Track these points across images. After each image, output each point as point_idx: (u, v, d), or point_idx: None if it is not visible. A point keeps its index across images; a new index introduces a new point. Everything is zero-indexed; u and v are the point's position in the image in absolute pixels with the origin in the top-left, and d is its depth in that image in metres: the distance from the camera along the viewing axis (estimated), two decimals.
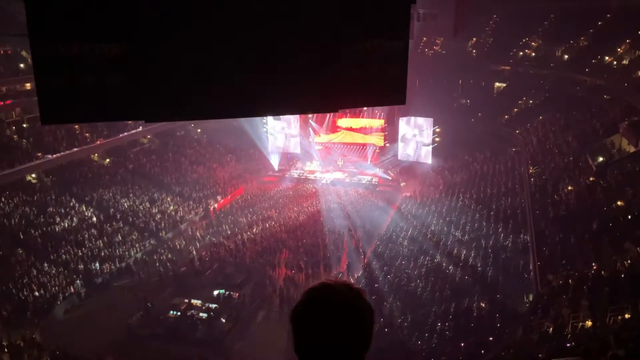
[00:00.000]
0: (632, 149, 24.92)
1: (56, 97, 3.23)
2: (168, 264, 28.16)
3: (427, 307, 21.19)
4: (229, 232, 32.49)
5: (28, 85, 34.00)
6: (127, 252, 28.78)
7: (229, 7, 3.37)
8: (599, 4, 43.42)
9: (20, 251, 26.44)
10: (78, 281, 25.58)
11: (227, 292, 24.50)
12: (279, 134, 45.10)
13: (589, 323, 14.40)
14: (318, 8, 3.56)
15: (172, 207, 34.59)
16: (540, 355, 13.89)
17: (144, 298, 23.77)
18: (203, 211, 35.31)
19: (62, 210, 30.53)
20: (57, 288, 24.60)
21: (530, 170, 31.94)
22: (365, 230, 31.12)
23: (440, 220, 30.62)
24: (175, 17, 3.29)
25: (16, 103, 34.13)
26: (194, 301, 23.75)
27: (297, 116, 41.55)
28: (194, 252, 29.64)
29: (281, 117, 41.68)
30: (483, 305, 20.40)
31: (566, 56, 45.81)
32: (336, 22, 3.57)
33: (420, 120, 41.23)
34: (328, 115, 42.65)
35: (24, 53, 35.52)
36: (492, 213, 29.42)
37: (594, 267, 17.81)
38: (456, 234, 28.36)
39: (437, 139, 42.29)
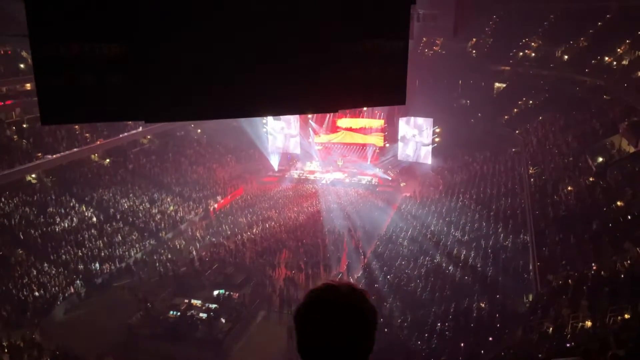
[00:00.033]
0: (631, 150, 24.92)
1: (56, 97, 3.23)
2: (168, 264, 28.16)
3: (427, 307, 21.19)
4: (229, 233, 32.51)
5: (28, 86, 33.99)
6: (127, 253, 28.78)
7: (229, 7, 3.38)
8: (598, 5, 43.45)
9: (20, 251, 26.44)
10: (78, 281, 25.59)
11: (227, 293, 24.51)
12: (279, 134, 45.13)
13: (588, 323, 14.40)
14: (318, 8, 3.56)
15: (172, 208, 34.59)
16: (540, 356, 13.89)
17: (144, 298, 23.78)
18: (203, 211, 35.31)
19: (62, 211, 30.54)
20: (57, 288, 24.60)
21: (530, 171, 31.94)
22: (365, 231, 31.12)
23: (440, 221, 30.62)
24: (175, 17, 3.29)
25: (16, 103, 34.12)
26: (194, 301, 23.76)
27: (297, 116, 41.58)
28: (194, 253, 29.65)
29: (281, 117, 41.68)
30: (483, 305, 20.40)
31: (566, 56, 45.80)
32: (336, 22, 3.57)
33: (420, 120, 41.25)
34: (328, 115, 42.66)
35: (24, 53, 35.53)
36: (492, 213, 29.42)
37: (594, 268, 17.81)
38: (456, 234, 28.37)
39: (437, 139, 42.32)
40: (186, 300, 23.79)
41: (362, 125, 44.75)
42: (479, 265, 23.84)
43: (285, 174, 44.01)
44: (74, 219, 30.19)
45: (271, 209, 35.75)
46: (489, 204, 31.02)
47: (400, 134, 42.27)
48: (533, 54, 48.69)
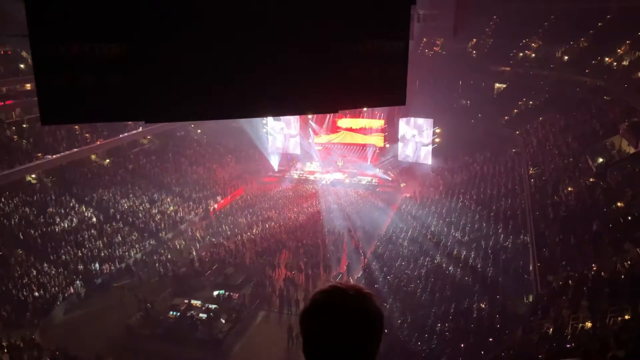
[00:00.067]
0: (632, 150, 24.91)
1: (56, 97, 3.22)
2: (168, 264, 28.15)
3: (427, 308, 21.18)
4: (229, 233, 32.52)
5: (28, 86, 34.00)
6: (127, 253, 28.78)
7: (229, 7, 3.37)
8: (599, 5, 43.45)
9: (20, 251, 26.43)
10: (78, 282, 25.58)
11: (227, 293, 24.51)
12: (279, 134, 45.15)
13: (588, 324, 14.38)
14: (318, 8, 3.56)
15: (172, 208, 34.59)
16: (540, 356, 13.88)
17: (143, 298, 23.77)
18: (203, 212, 35.31)
19: (62, 211, 30.53)
20: (56, 288, 24.59)
21: (530, 171, 31.93)
22: (365, 231, 31.12)
23: (440, 221, 30.62)
24: (175, 17, 3.29)
25: (16, 103, 34.11)
26: (193, 302, 23.75)
27: (297, 117, 41.56)
28: (194, 253, 29.65)
29: (281, 117, 41.69)
30: (483, 306, 20.40)
31: (566, 57, 45.83)
32: (336, 22, 3.57)
33: (420, 120, 41.26)
34: (328, 115, 42.67)
35: (24, 53, 35.53)
36: (492, 214, 29.41)
37: (594, 268, 17.79)
38: (456, 234, 28.36)
39: (437, 140, 42.33)
40: (186, 301, 23.79)
41: (362, 126, 44.76)
42: (479, 266, 23.84)
43: (285, 175, 44.02)
44: (74, 219, 30.18)
45: (271, 210, 35.75)
46: (489, 204, 31.01)
47: (400, 134, 42.27)
48: (533, 55, 48.72)
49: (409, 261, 25.88)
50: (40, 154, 31.86)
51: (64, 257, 26.86)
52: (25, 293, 23.64)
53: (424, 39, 54.09)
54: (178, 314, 22.81)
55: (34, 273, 25.09)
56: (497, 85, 51.30)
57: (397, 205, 36.07)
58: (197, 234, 32.48)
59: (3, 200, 29.14)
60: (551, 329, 15.36)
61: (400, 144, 42.47)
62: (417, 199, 36.32)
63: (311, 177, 43.42)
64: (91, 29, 3.15)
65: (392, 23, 3.70)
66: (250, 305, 24.17)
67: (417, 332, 19.44)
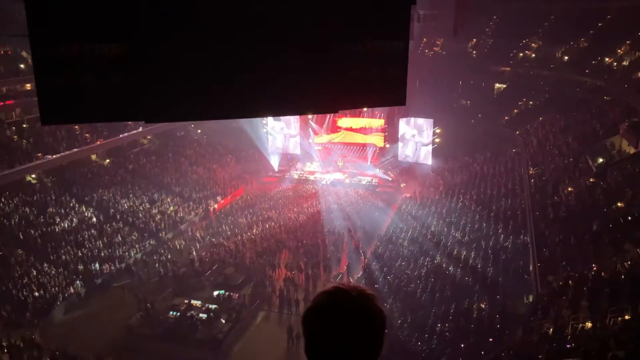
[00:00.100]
0: (632, 150, 24.90)
1: (56, 97, 3.22)
2: (168, 264, 28.16)
3: (427, 308, 21.19)
4: (229, 233, 32.53)
5: (28, 86, 34.01)
6: (127, 253, 28.79)
7: (229, 7, 3.37)
8: (599, 5, 43.44)
9: (20, 251, 26.43)
10: (78, 282, 25.59)
11: (227, 293, 24.52)
12: (279, 134, 45.16)
13: (589, 324, 14.38)
14: (318, 8, 3.55)
15: (172, 208, 34.59)
16: (540, 357, 13.88)
17: (144, 298, 23.79)
18: (203, 212, 35.32)
19: (62, 211, 30.53)
20: (56, 288, 24.60)
21: (530, 171, 31.93)
22: (365, 231, 31.14)
23: (440, 221, 30.62)
24: (175, 17, 3.29)
25: (16, 103, 34.12)
26: (193, 302, 23.76)
27: (297, 117, 41.55)
28: (194, 253, 29.66)
29: (281, 117, 41.69)
30: (483, 306, 20.40)
31: (566, 57, 45.84)
32: (336, 22, 3.57)
33: (420, 120, 41.28)
34: (328, 115, 42.69)
35: (24, 53, 35.55)
36: (492, 214, 29.42)
37: (594, 268, 17.79)
38: (456, 235, 28.37)
39: (437, 140, 42.33)
40: (186, 301, 23.80)
41: (362, 125, 44.79)
42: (479, 266, 23.84)
43: (285, 175, 44.04)
44: (74, 219, 30.19)
45: (271, 210, 35.76)
46: (489, 204, 31.02)
47: (400, 134, 42.29)
48: (533, 55, 48.73)
49: (409, 261, 25.88)
50: (40, 154, 31.87)
51: (64, 257, 26.86)
52: (25, 293, 23.64)
53: (424, 39, 54.10)
54: (178, 314, 22.81)
55: (34, 273, 25.10)
56: (497, 85, 51.31)
57: (397, 205, 36.07)
58: (197, 234, 32.48)
59: (3, 200, 29.15)
60: (551, 329, 15.36)
61: (400, 144, 42.48)
62: (417, 199, 36.32)
63: (311, 177, 43.43)
64: (91, 29, 3.14)
65: (392, 23, 3.70)
66: (250, 305, 24.18)
67: (417, 332, 19.44)
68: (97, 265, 26.87)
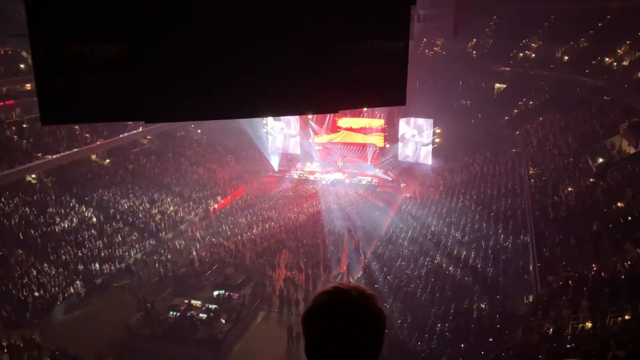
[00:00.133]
0: (632, 150, 24.91)
1: (56, 97, 3.22)
2: (168, 264, 28.16)
3: (427, 308, 21.18)
4: (229, 233, 32.53)
5: (28, 86, 34.01)
6: (127, 253, 28.79)
7: (229, 7, 3.37)
8: (599, 5, 43.45)
9: (20, 251, 26.44)
10: (78, 282, 25.60)
11: (227, 293, 24.52)
12: (279, 134, 45.16)
13: (589, 324, 14.38)
14: (318, 8, 3.56)
15: (172, 208, 34.60)
16: (540, 357, 13.87)
17: (144, 298, 23.79)
18: (203, 212, 35.32)
19: (62, 211, 30.53)
20: (56, 288, 24.60)
21: (530, 171, 31.94)
22: (365, 231, 31.14)
23: (440, 221, 30.62)
24: (175, 17, 3.29)
25: (16, 103, 34.13)
26: (193, 302, 23.76)
27: (297, 117, 41.56)
28: (194, 253, 29.66)
29: (281, 117, 41.70)
30: (483, 306, 20.40)
31: (566, 57, 45.84)
32: (336, 22, 3.57)
33: (421, 120, 41.28)
34: (328, 115, 42.69)
35: (24, 53, 35.55)
36: (492, 214, 29.42)
37: (594, 268, 17.79)
38: (456, 235, 28.37)
39: (437, 140, 42.34)
40: (186, 301, 23.80)
41: (362, 125, 44.80)
42: (479, 266, 23.84)
43: (285, 175, 44.03)
44: (74, 219, 30.19)
45: (271, 210, 35.76)
46: (489, 204, 31.02)
47: (400, 134, 42.29)
48: (533, 55, 48.73)
49: (409, 261, 25.88)
50: (40, 154, 31.87)
51: (64, 257, 26.87)
52: (25, 293, 23.64)
53: (424, 39, 54.11)
54: (178, 314, 22.81)
55: (34, 273, 25.10)
56: (497, 85, 51.31)
57: (397, 205, 36.07)
58: (197, 234, 32.48)
59: (3, 200, 29.16)
60: (551, 329, 15.36)
61: (400, 144, 42.48)
62: (417, 199, 36.32)
63: (311, 177, 43.43)
64: (91, 29, 3.14)
65: (392, 23, 3.70)
66: (250, 305, 24.18)
67: (417, 332, 19.44)
68: (97, 265, 26.87)
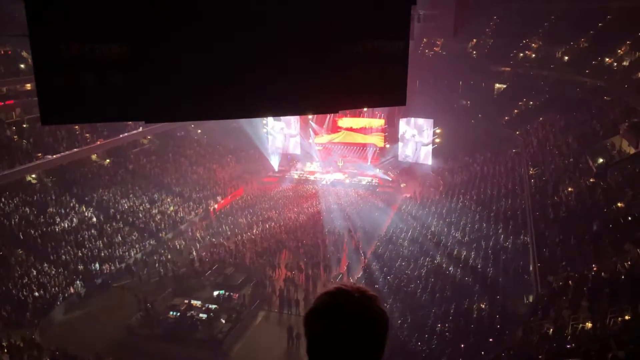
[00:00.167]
0: (632, 151, 24.90)
1: (56, 97, 3.22)
2: (168, 264, 28.16)
3: (427, 308, 21.18)
4: (229, 233, 32.52)
5: (28, 86, 34.01)
6: (127, 253, 28.79)
7: (229, 7, 3.37)
8: (599, 5, 43.46)
9: (20, 251, 26.43)
10: (78, 282, 25.59)
11: (227, 293, 24.51)
12: (279, 134, 45.16)
13: (589, 324, 14.38)
14: (318, 8, 3.55)
15: (172, 208, 34.59)
16: (540, 357, 13.87)
17: (144, 298, 23.77)
18: (203, 212, 35.31)
19: (62, 211, 30.53)
20: (56, 288, 24.59)
21: (531, 172, 31.93)
22: (365, 231, 31.13)
23: (440, 222, 30.62)
24: (175, 17, 3.29)
25: (16, 103, 34.13)
26: (193, 302, 23.76)
27: (297, 117, 41.56)
28: (194, 253, 29.65)
29: (281, 117, 41.70)
30: (483, 306, 20.39)
31: (566, 57, 45.84)
32: (336, 22, 3.57)
33: (421, 121, 41.28)
34: (328, 115, 42.68)
35: (24, 53, 35.54)
36: (492, 214, 29.41)
37: (594, 269, 17.79)
38: (456, 235, 28.36)
39: (437, 140, 42.33)
40: (186, 301, 23.79)
41: (362, 125, 44.80)
42: (479, 266, 23.84)
43: (285, 175, 44.02)
44: (74, 219, 30.18)
45: (271, 210, 35.75)
46: (490, 204, 31.01)
47: (400, 134, 42.29)
48: (533, 55, 48.73)
49: (409, 261, 25.87)
50: (40, 154, 31.87)
51: (64, 257, 26.86)
52: (25, 293, 23.64)
53: (424, 39, 54.11)
54: (178, 314, 22.81)
55: (34, 273, 25.09)
56: (497, 85, 51.31)
57: (397, 205, 36.07)
58: (197, 234, 32.48)
59: (3, 200, 29.15)
60: (551, 330, 15.36)
61: (400, 144, 42.48)
62: (417, 199, 36.31)
63: (311, 177, 43.41)
64: (91, 28, 3.14)
65: (392, 23, 3.70)
66: (250, 305, 24.17)
67: (417, 332, 19.44)
68: (97, 265, 26.86)
